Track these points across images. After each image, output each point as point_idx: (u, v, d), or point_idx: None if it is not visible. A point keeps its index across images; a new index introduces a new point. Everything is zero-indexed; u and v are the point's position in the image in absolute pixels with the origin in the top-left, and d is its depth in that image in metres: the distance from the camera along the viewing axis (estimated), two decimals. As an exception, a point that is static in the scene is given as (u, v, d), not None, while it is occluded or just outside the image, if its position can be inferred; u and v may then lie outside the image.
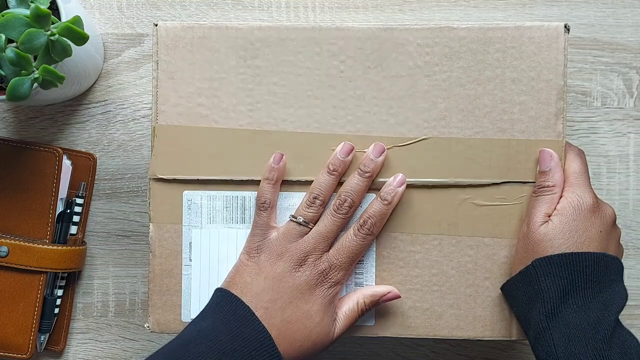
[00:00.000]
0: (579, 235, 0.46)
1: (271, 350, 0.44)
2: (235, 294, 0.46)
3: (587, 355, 0.43)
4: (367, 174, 0.48)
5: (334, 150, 0.49)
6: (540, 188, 0.48)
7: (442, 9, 0.59)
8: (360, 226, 0.48)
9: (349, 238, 0.48)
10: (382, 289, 0.49)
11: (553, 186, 0.48)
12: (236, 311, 0.45)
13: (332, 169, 0.48)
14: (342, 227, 0.48)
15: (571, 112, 0.59)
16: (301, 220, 0.47)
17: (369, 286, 0.49)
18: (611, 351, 0.43)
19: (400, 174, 0.48)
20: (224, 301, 0.46)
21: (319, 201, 0.48)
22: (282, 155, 0.49)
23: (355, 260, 0.48)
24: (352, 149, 0.49)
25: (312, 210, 0.48)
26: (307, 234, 0.48)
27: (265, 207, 0.48)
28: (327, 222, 0.48)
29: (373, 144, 0.49)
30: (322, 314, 0.47)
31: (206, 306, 0.47)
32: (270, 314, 0.46)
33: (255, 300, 0.46)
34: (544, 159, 0.48)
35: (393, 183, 0.48)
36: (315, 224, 0.48)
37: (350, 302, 0.48)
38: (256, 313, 0.45)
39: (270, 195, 0.48)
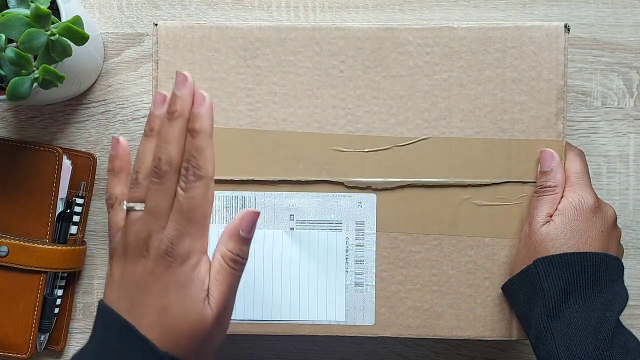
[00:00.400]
0: (580, 235, 0.46)
1: (133, 335, 0.37)
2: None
3: (589, 354, 0.43)
4: (175, 114, 0.38)
5: (334, 150, 0.49)
6: (542, 188, 0.48)
7: (442, 9, 0.59)
8: (184, 177, 0.38)
9: (179, 196, 0.38)
10: (234, 221, 0.40)
11: (555, 186, 0.48)
12: (106, 323, 0.39)
13: (148, 129, 0.39)
14: (172, 192, 0.38)
15: (571, 112, 0.59)
16: (125, 205, 0.39)
17: (222, 232, 0.40)
18: (612, 351, 0.43)
19: (200, 92, 0.38)
20: (98, 318, 0.40)
21: (141, 175, 0.39)
22: (119, 139, 0.41)
23: (200, 218, 0.38)
24: (165, 98, 0.39)
25: (137, 190, 0.39)
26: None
27: (111, 204, 0.41)
28: (150, 194, 0.38)
29: (176, 74, 0.39)
30: (181, 301, 0.38)
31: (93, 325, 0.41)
32: (132, 323, 0.38)
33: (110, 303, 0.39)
34: (545, 159, 0.48)
35: (195, 106, 0.38)
36: None
37: (215, 263, 0.39)
38: None
39: (116, 189, 0.40)
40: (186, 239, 0.38)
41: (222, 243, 0.40)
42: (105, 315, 0.39)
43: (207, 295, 0.39)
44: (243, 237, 0.40)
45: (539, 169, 0.49)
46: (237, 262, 0.40)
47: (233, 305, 0.41)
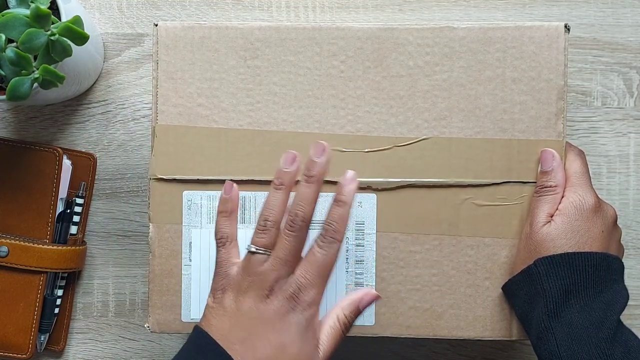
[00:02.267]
0: (581, 235, 0.46)
1: None
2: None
3: (590, 354, 0.42)
4: (313, 179, 0.43)
5: (334, 150, 0.49)
6: (542, 188, 0.48)
7: (442, 9, 0.59)
8: (322, 236, 0.43)
9: (313, 251, 0.43)
10: (358, 294, 0.45)
11: (555, 186, 0.48)
12: (201, 348, 0.43)
13: (277, 183, 0.44)
14: (302, 244, 0.44)
15: (571, 112, 0.59)
16: (254, 249, 0.43)
17: (344, 298, 0.45)
18: (614, 350, 0.43)
19: (350, 171, 0.44)
20: (192, 341, 0.44)
21: (269, 223, 0.43)
22: (233, 184, 0.46)
23: (327, 274, 0.44)
24: (295, 157, 0.44)
25: (265, 236, 0.43)
26: (267, 261, 0.43)
27: (222, 243, 0.45)
28: (283, 244, 0.43)
29: (314, 144, 0.44)
30: (299, 343, 0.42)
31: (182, 347, 0.45)
32: (241, 354, 0.42)
33: (224, 341, 0.42)
34: (546, 159, 0.48)
35: (344, 183, 0.44)
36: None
37: (330, 320, 0.44)
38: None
39: (227, 229, 0.45)
40: (313, 289, 0.43)
41: (340, 307, 0.45)
42: (203, 340, 0.43)
43: (317, 345, 0.43)
44: (359, 310, 0.45)
45: (539, 168, 0.49)
46: (347, 327, 0.45)
47: None
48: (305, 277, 0.43)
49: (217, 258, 0.45)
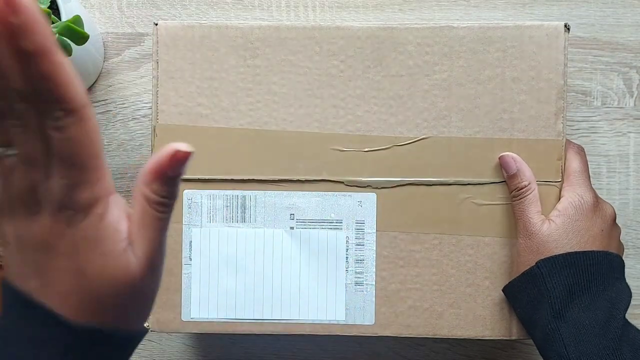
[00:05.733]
0: (581, 235, 0.46)
1: (36, 311, 0.31)
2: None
3: (599, 354, 0.42)
4: None
5: (334, 149, 0.49)
6: (518, 191, 0.48)
7: (442, 8, 0.59)
8: (47, 113, 0.29)
9: (53, 139, 0.28)
10: (162, 158, 0.31)
11: (529, 184, 0.48)
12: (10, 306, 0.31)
13: None
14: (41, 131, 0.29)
15: (571, 111, 0.59)
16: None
17: (141, 170, 0.32)
18: (622, 350, 0.42)
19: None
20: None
21: None
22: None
23: (91, 159, 0.30)
24: None
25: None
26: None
27: None
28: (16, 137, 0.28)
29: None
30: (99, 257, 0.31)
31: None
32: (40, 291, 0.31)
33: (22, 282, 0.31)
34: (508, 164, 0.48)
35: (13, 16, 0.25)
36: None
37: (138, 206, 0.32)
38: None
39: None
40: (80, 187, 0.29)
41: (144, 184, 0.31)
42: (5, 290, 0.32)
43: (130, 243, 0.31)
44: (169, 175, 0.31)
45: (505, 174, 0.49)
46: (165, 205, 0.32)
47: (165, 252, 0.33)
48: (62, 177, 0.29)
49: None
